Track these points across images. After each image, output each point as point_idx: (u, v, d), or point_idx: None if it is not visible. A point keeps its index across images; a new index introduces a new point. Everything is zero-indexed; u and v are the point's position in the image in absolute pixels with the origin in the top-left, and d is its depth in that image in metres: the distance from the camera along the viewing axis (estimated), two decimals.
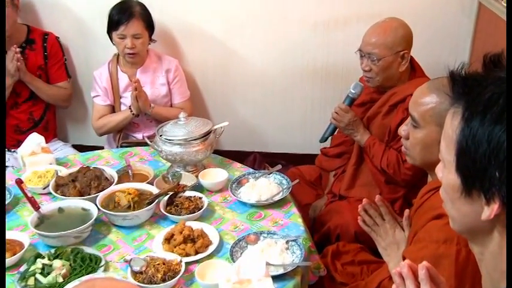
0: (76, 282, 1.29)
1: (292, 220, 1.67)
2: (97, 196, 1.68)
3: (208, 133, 1.88)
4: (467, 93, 0.75)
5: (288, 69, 2.70)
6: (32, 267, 1.41)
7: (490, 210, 0.71)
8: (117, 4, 2.36)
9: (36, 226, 1.56)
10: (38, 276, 1.38)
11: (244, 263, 1.37)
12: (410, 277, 0.83)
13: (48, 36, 2.55)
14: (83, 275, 1.38)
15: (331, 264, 1.78)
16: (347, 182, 2.14)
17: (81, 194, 1.72)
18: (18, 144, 2.20)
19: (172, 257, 1.43)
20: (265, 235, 1.56)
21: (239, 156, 2.41)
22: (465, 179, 0.74)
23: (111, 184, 1.77)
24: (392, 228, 1.43)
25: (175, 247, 1.48)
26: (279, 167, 1.92)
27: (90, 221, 1.55)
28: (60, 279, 1.37)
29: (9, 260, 1.43)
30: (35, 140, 2.02)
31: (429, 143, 1.29)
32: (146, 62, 2.46)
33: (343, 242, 1.91)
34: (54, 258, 1.44)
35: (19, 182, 1.66)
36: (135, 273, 1.38)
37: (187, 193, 1.74)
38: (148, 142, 1.95)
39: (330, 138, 2.21)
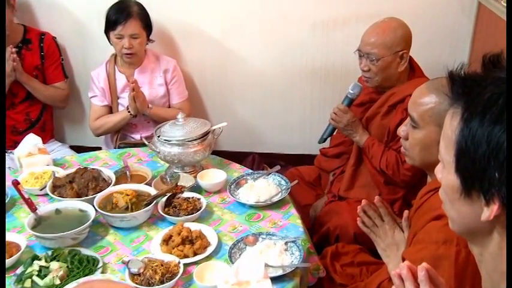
0: (73, 284, 1.28)
1: (291, 221, 1.66)
2: (94, 197, 1.67)
3: (206, 134, 1.87)
4: (467, 93, 0.75)
5: (287, 69, 2.69)
6: (29, 269, 1.40)
7: (489, 211, 0.71)
8: (114, 4, 2.36)
9: (33, 228, 1.55)
10: (35, 278, 1.37)
11: (243, 265, 1.36)
12: (410, 278, 0.83)
13: (44, 36, 2.54)
14: (80, 277, 1.37)
15: (330, 266, 1.78)
16: (346, 182, 2.14)
17: (78, 195, 1.72)
18: (14, 145, 2.19)
19: (170, 258, 1.43)
20: (264, 236, 1.55)
21: (238, 157, 2.41)
22: (464, 179, 0.74)
23: (108, 185, 1.76)
24: (391, 229, 1.43)
25: (173, 248, 1.48)
26: (278, 167, 1.91)
27: (88, 223, 1.55)
28: (58, 281, 1.36)
29: (6, 262, 1.42)
30: (31, 140, 2.01)
31: (428, 143, 1.29)
32: (144, 62, 2.45)
33: (342, 243, 1.91)
34: (51, 260, 1.43)
35: (16, 183, 1.66)
36: (132, 275, 1.38)
37: (186, 194, 1.73)
38: (146, 143, 1.94)
39: (329, 138, 2.20)
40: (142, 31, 2.35)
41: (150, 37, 2.44)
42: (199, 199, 1.71)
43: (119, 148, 2.35)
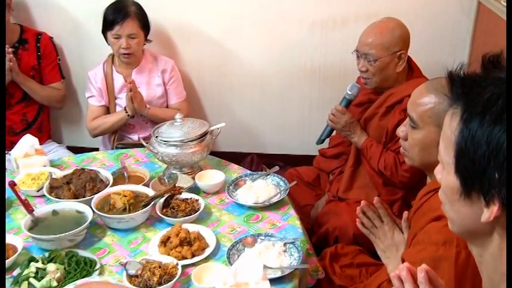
0: (71, 286, 1.28)
1: (290, 222, 1.66)
2: (92, 198, 1.66)
3: (204, 134, 1.86)
4: (466, 93, 0.74)
5: (285, 69, 2.69)
6: (26, 271, 1.39)
7: (489, 212, 0.70)
8: (112, 4, 2.35)
9: (30, 229, 1.54)
10: (32, 280, 1.36)
11: (242, 266, 1.36)
12: (409, 280, 0.83)
13: (41, 36, 2.53)
14: (77, 279, 1.37)
15: (329, 267, 1.77)
16: (345, 184, 2.13)
17: (75, 196, 1.71)
18: (11, 146, 2.18)
19: (168, 260, 1.42)
20: (263, 237, 1.55)
21: (236, 158, 2.40)
22: (464, 180, 0.73)
23: (106, 186, 1.75)
24: (391, 230, 1.42)
25: (171, 250, 1.47)
26: (277, 168, 1.91)
27: (85, 224, 1.54)
28: (55, 283, 1.36)
29: None
30: (28, 141, 2.00)
31: (428, 143, 1.28)
32: (142, 63, 2.44)
33: (341, 244, 1.90)
34: (48, 262, 1.42)
35: (12, 185, 1.65)
36: (130, 277, 1.37)
37: (184, 195, 1.73)
38: (144, 143, 1.93)
39: (327, 139, 2.19)
40: (140, 31, 2.34)
41: (148, 37, 2.43)
42: (197, 200, 1.70)
43: (116, 149, 2.35)
